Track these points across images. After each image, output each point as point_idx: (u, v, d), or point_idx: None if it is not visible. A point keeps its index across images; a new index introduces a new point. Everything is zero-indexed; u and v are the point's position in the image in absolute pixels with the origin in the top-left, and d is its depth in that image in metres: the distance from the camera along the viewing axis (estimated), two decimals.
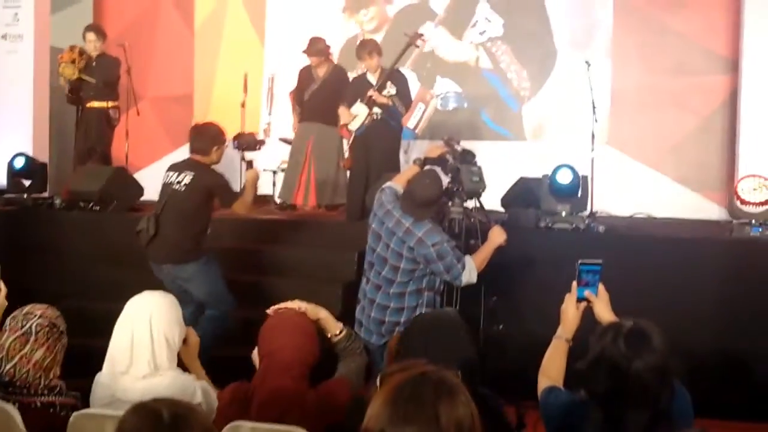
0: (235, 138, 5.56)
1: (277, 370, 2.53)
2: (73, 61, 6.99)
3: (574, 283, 2.48)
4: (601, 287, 2.49)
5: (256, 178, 5.01)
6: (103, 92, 7.10)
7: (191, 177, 4.66)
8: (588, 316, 2.48)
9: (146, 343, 2.56)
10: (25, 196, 6.88)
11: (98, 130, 7.12)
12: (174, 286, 4.68)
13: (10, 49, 8.42)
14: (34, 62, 8.34)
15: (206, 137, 4.79)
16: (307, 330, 2.64)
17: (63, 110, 7.99)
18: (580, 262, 2.48)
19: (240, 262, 5.80)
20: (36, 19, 8.42)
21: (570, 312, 2.47)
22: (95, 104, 7.10)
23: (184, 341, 2.74)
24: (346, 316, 4.75)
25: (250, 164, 5.10)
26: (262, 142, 5.79)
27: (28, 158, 7.19)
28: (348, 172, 6.82)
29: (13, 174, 7.08)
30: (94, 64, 7.12)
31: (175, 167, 4.82)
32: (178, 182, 4.70)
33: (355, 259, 5.38)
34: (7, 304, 2.94)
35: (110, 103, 7.15)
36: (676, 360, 2.07)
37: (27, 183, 7.07)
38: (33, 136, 8.16)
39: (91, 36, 7.12)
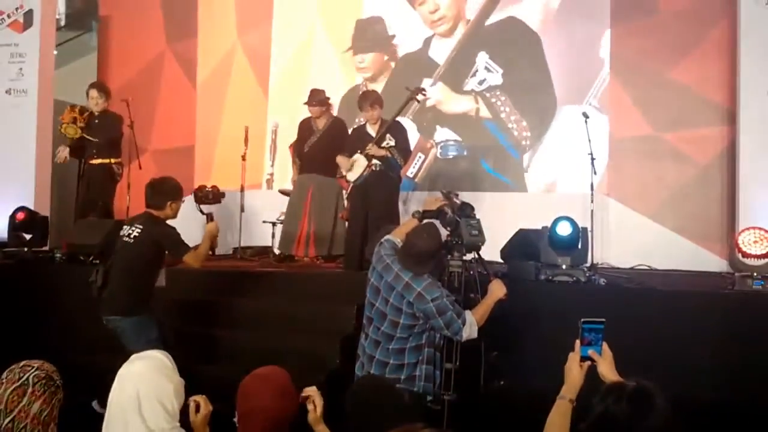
0: (195, 191, 5.58)
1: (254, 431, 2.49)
2: (74, 121, 7.04)
3: (578, 342, 2.46)
4: (605, 346, 2.46)
5: (215, 231, 5.04)
6: (105, 150, 7.14)
7: (140, 230, 4.73)
8: (592, 375, 2.45)
9: (134, 409, 2.53)
10: (26, 249, 6.88)
11: (101, 184, 7.14)
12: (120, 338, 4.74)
13: (14, 104, 8.54)
14: (38, 117, 8.44)
15: (161, 192, 4.84)
16: (284, 390, 2.60)
17: (64, 163, 8.03)
18: (582, 320, 2.46)
19: (237, 315, 5.79)
20: (40, 74, 8.55)
21: (574, 372, 2.44)
22: (98, 161, 7.14)
23: (197, 409, 2.71)
24: (344, 370, 4.74)
25: (210, 217, 5.13)
26: (221, 195, 5.79)
27: (29, 212, 7.22)
28: (346, 223, 6.84)
29: (14, 227, 7.10)
30: (96, 121, 7.16)
31: (130, 220, 4.90)
32: (128, 235, 4.77)
33: (353, 312, 5.33)
34: None
35: (113, 160, 7.19)
36: (679, 421, 2.04)
37: (28, 236, 7.08)
38: (35, 189, 8.22)
39: (94, 93, 7.17)
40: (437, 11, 8.50)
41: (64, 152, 7.19)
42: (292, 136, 7.64)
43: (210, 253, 5.11)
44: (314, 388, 2.69)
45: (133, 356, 2.70)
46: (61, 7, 9.58)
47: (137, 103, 8.03)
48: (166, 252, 4.82)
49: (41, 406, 2.35)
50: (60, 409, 2.47)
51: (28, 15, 8.74)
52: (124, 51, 9.65)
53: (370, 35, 8.79)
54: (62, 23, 9.95)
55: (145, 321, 4.73)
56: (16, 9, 8.74)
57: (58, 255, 6.65)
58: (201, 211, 5.38)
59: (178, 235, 4.83)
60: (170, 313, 5.84)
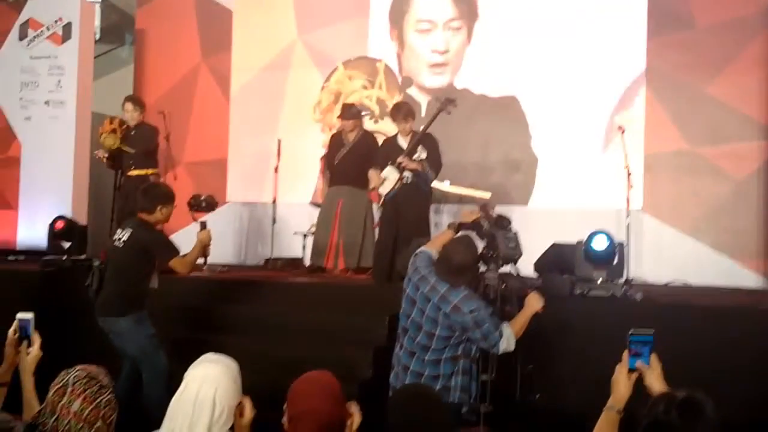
0: (189, 200, 5.60)
1: None
2: (113, 131, 7.13)
3: (626, 353, 2.44)
4: (653, 357, 2.45)
5: (207, 240, 5.05)
6: (142, 161, 7.19)
7: (129, 234, 4.81)
8: (638, 387, 2.43)
9: (208, 408, 2.58)
10: (65, 257, 6.97)
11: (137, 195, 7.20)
12: (113, 340, 4.83)
13: (53, 115, 8.71)
14: (76, 128, 8.60)
15: (151, 196, 4.92)
16: (335, 394, 2.60)
17: (101, 173, 8.16)
18: (631, 332, 2.44)
19: (268, 326, 5.81)
20: (78, 86, 8.71)
21: (621, 382, 2.42)
22: (135, 172, 7.18)
23: (240, 413, 2.74)
24: (377, 381, 4.74)
25: (203, 225, 5.15)
26: (215, 204, 5.76)
27: (68, 220, 7.33)
28: (376, 232, 6.87)
29: (53, 236, 7.21)
30: (133, 133, 7.21)
31: (122, 225, 4.99)
32: (119, 239, 4.85)
33: (386, 323, 5.34)
34: (42, 354, 2.97)
35: (150, 171, 7.23)
36: None
37: (67, 245, 7.19)
38: (72, 199, 8.36)
39: (129, 106, 7.23)
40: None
41: (102, 153, 7.27)
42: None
43: (202, 261, 5.15)
44: (356, 406, 2.69)
45: (207, 357, 2.74)
46: (96, 20, 9.75)
47: (172, 115, 8.13)
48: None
49: (81, 404, 2.37)
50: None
51: (67, 28, 8.93)
52: (160, 64, 9.77)
53: None
54: (97, 37, 10.13)
55: (142, 317, 4.82)
56: (55, 22, 8.94)
57: (96, 263, 6.73)
58: (194, 219, 5.39)
59: (166, 239, 4.90)
60: (200, 322, 5.92)
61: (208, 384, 2.61)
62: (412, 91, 8.67)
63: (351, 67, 8.93)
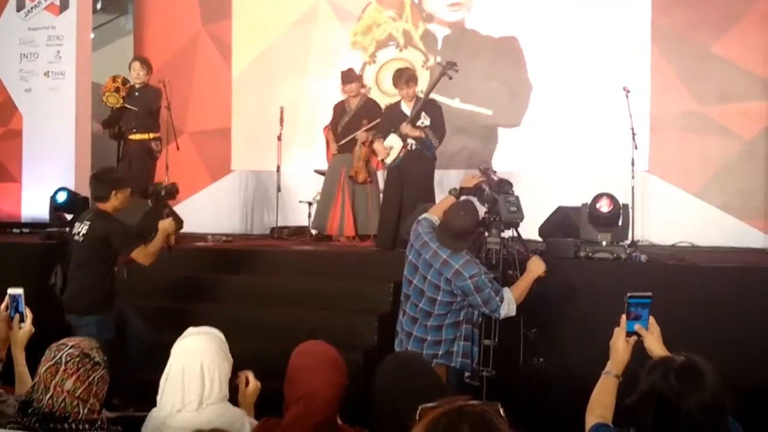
0: (148, 187, 5.48)
1: (316, 410, 2.44)
2: (117, 90, 7.05)
3: (623, 317, 2.40)
4: (652, 320, 2.42)
5: (170, 229, 4.84)
6: (144, 123, 7.09)
7: (87, 226, 4.60)
8: (639, 350, 2.40)
9: (197, 380, 2.58)
10: (67, 230, 6.94)
11: (140, 162, 7.08)
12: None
13: (53, 86, 8.63)
14: (76, 99, 8.52)
15: (104, 183, 4.68)
16: (338, 362, 2.57)
17: (104, 144, 8.10)
18: (628, 295, 2.41)
19: (274, 294, 5.82)
20: (78, 56, 8.62)
21: (620, 347, 2.40)
22: (137, 136, 7.09)
23: (246, 385, 2.73)
24: (382, 348, 4.75)
25: (166, 214, 4.98)
26: (176, 192, 5.55)
27: (70, 192, 7.29)
28: (380, 202, 6.85)
29: (55, 208, 7.19)
30: (136, 93, 7.12)
31: (80, 218, 4.78)
32: (77, 233, 4.64)
33: (390, 290, 5.34)
34: (34, 330, 2.96)
35: (152, 135, 7.14)
36: (730, 396, 1.99)
37: (69, 217, 7.16)
38: (75, 170, 8.32)
39: (136, 65, 7.16)
40: None
41: (96, 127, 7.20)
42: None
43: (168, 250, 4.97)
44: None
45: (189, 331, 2.73)
46: None
47: (173, 85, 8.01)
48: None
49: (74, 384, 2.35)
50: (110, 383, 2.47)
51: None
52: (160, 33, 9.66)
53: None
54: (98, 6, 10.00)
55: (103, 321, 4.56)
56: None
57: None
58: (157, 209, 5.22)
59: (126, 230, 4.67)
60: (205, 293, 5.93)
61: (193, 356, 2.60)
62: (432, 26, 8.76)
63: (381, 1, 9.00)
